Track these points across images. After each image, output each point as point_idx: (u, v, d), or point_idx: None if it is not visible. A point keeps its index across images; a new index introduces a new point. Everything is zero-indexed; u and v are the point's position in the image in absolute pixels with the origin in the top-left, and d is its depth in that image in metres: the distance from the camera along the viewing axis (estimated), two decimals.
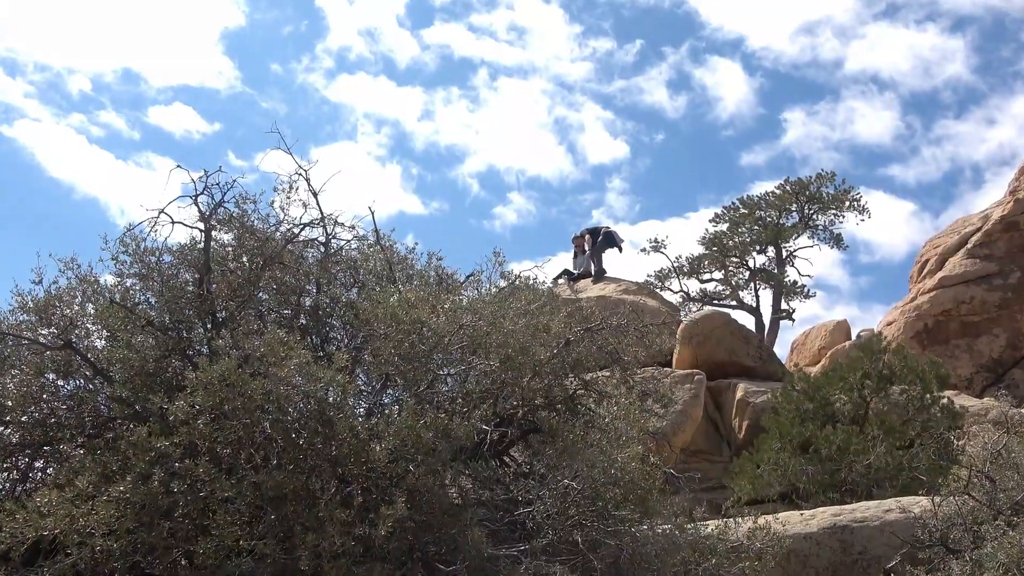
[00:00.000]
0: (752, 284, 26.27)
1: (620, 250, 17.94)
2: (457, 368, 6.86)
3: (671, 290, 25.87)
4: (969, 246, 18.98)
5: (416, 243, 8.69)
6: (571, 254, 18.26)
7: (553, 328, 7.05)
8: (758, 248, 26.49)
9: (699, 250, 26.80)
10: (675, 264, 26.07)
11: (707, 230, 26.95)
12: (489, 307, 6.93)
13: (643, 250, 25.87)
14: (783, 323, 25.48)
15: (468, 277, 8.73)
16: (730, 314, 17.72)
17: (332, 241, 7.79)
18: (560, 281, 17.36)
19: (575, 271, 18.00)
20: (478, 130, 56.21)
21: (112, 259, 6.62)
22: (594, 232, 17.62)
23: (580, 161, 55.11)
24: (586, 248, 18.11)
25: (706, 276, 26.77)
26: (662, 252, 26.03)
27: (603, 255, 17.84)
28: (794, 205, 26.46)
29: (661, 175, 55.61)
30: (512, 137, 56.42)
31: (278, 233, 7.29)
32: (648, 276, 25.63)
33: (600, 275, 17.56)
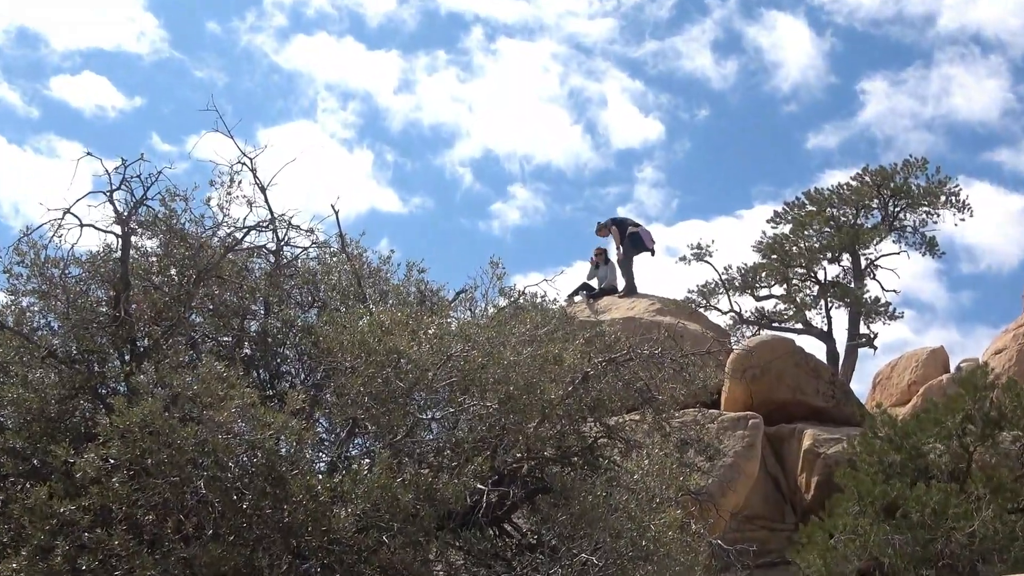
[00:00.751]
0: (823, 302, 26.21)
1: (652, 253, 18.05)
2: (444, 411, 6.89)
3: (718, 310, 25.81)
4: None
5: (392, 250, 8.73)
6: (591, 263, 18.42)
7: (567, 359, 7.09)
8: (830, 256, 26.43)
9: (754, 259, 26.72)
10: (723, 276, 26.08)
11: (764, 233, 26.90)
12: (485, 333, 6.98)
13: (682, 259, 25.80)
14: (862, 351, 25.40)
15: (458, 294, 8.79)
16: (794, 340, 17.76)
17: (285, 249, 7.86)
18: (577, 299, 17.39)
19: (596, 285, 18.13)
20: (471, 106, 56.39)
21: (3, 272, 6.66)
22: (621, 224, 17.78)
23: (601, 145, 55.24)
24: (611, 255, 18.19)
25: (763, 292, 26.72)
26: (706, 261, 25.97)
27: (633, 263, 17.88)
28: (875, 201, 26.44)
29: (705, 163, 55.71)
30: (515, 115, 56.60)
31: (216, 239, 7.34)
32: (689, 292, 25.56)
33: (631, 291, 17.57)
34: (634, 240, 17.68)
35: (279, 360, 7.57)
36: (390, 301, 7.95)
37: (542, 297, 9.17)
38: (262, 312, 7.59)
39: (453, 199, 53.22)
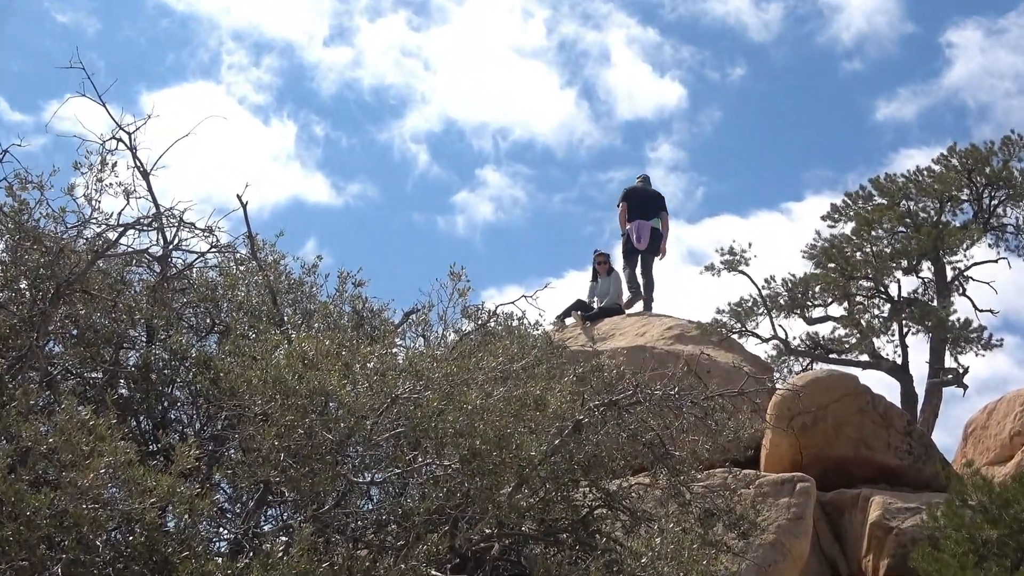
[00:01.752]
0: (895, 325, 26.33)
1: (661, 255, 19.39)
2: (388, 472, 6.90)
3: (757, 336, 25.70)
4: None
5: (320, 256, 8.72)
6: (593, 272, 18.93)
7: (553, 403, 7.13)
8: (905, 264, 26.55)
9: (805, 268, 26.79)
10: (764, 292, 26.13)
11: (818, 234, 26.98)
12: (443, 367, 7.01)
13: (709, 268, 25.49)
14: (949, 391, 25.52)
15: (408, 316, 8.82)
16: (858, 377, 17.84)
17: (174, 254, 7.88)
18: (569, 321, 17.50)
19: (595, 303, 18.38)
20: (427, 62, 56.51)
21: None
22: (642, 199, 19.56)
23: (602, 115, 55.49)
24: (616, 264, 19.19)
25: (817, 312, 26.80)
26: (742, 271, 25.78)
27: (653, 270, 19.29)
28: (966, 191, 26.58)
29: (740, 139, 55.98)
30: (486, 74, 56.76)
31: (82, 241, 7.33)
32: (719, 312, 25.31)
33: (645, 303, 18.68)
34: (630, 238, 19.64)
35: (166, 403, 7.56)
36: (316, 324, 7.95)
37: (521, 319, 9.26)
38: (143, 339, 7.59)
39: (403, 187, 53.26)
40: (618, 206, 19.56)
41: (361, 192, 52.81)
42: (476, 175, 53.67)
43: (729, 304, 25.43)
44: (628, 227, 19.28)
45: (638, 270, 19.50)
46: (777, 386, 16.87)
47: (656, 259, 19.62)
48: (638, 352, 15.43)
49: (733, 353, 17.59)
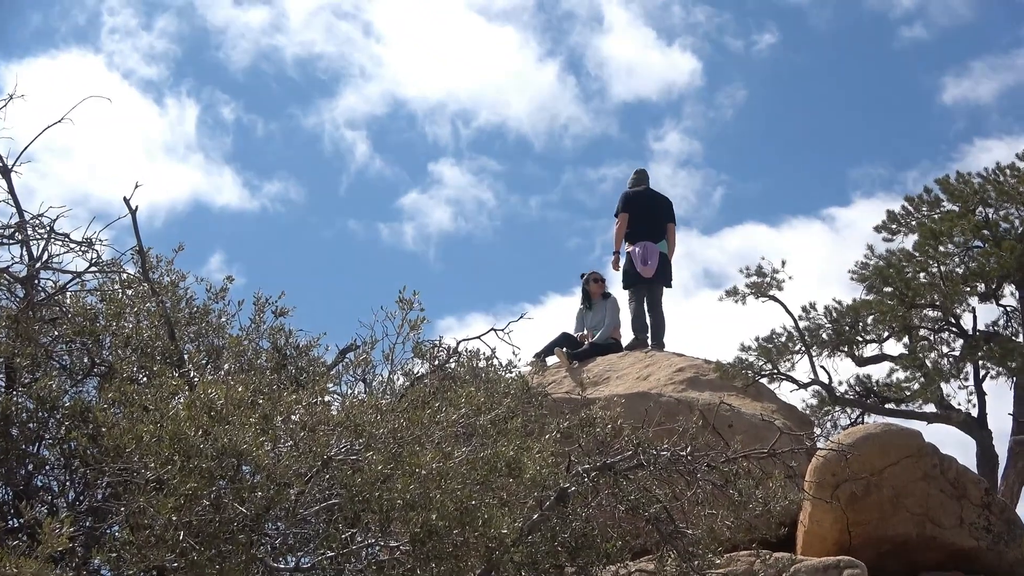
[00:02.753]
0: (970, 366, 26.51)
1: (656, 281, 19.41)
2: (319, 555, 6.88)
3: (793, 380, 25.53)
4: None
5: (231, 277, 8.70)
6: (585, 296, 18.99)
7: (529, 467, 7.12)
8: (983, 289, 26.77)
9: (854, 292, 26.95)
10: (802, 323, 26.25)
11: (871, 249, 27.14)
12: (390, 421, 7.01)
13: (731, 293, 25.60)
14: None
15: (344, 354, 8.80)
16: (922, 433, 17.86)
17: (42, 275, 7.84)
18: (551, 360, 17.35)
19: (586, 336, 18.46)
20: (368, 26, 56.58)
21: None
22: (649, 210, 19.36)
23: (594, 94, 55.57)
24: (605, 290, 19.23)
25: (870, 350, 26.92)
26: (773, 297, 25.83)
27: (662, 297, 19.17)
28: None
29: (771, 126, 56.11)
30: (442, 42, 56.81)
31: None
32: (743, 349, 25.26)
33: (656, 340, 18.48)
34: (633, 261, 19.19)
35: (30, 466, 7.52)
36: (226, 365, 7.94)
37: (489, 359, 9.22)
38: (1, 383, 7.55)
39: (336, 187, 53.03)
40: (616, 217, 19.30)
41: (282, 193, 52.51)
42: (430, 171, 53.54)
43: (757, 339, 25.43)
44: (631, 249, 19.06)
45: (644, 305, 19.03)
46: (818, 445, 16.84)
47: (666, 289, 19.31)
48: (640, 400, 15.28)
49: (762, 402, 17.51)
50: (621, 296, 19.32)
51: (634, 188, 19.69)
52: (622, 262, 19.24)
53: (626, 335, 18.75)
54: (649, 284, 18.84)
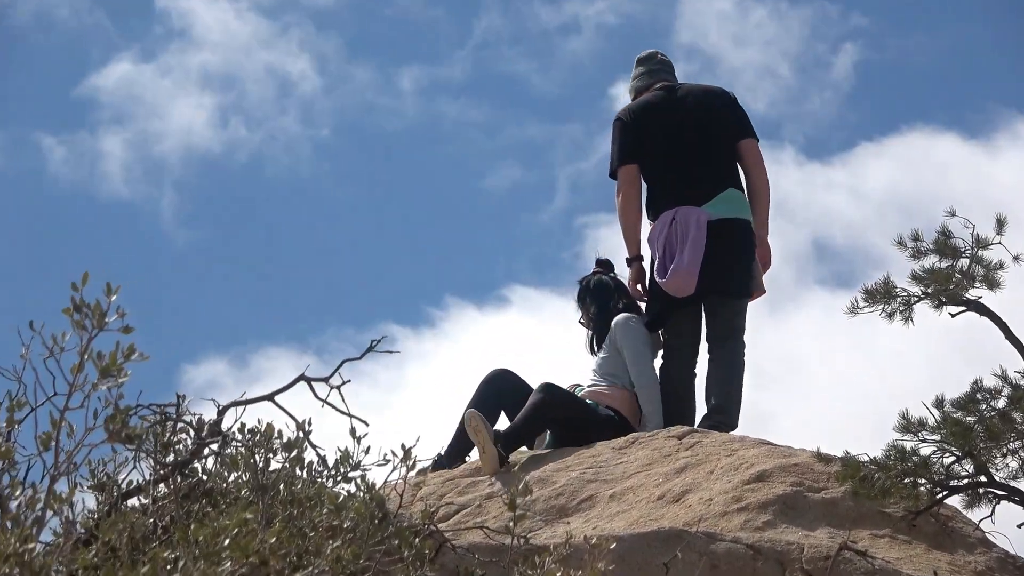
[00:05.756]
0: None
1: (755, 287, 10.31)
2: None
3: (1021, 496, 19.92)
4: None
5: None
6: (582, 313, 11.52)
7: None
8: None
9: None
10: None
11: None
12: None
13: (875, 297, 19.32)
14: None
15: None
16: None
17: None
18: (481, 459, 10.44)
19: (588, 392, 11.27)
20: None
21: None
22: (677, 128, 9.86)
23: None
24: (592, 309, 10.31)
25: None
26: (976, 304, 19.76)
27: (731, 326, 10.06)
28: None
29: None
30: None
31: None
32: (907, 428, 19.61)
33: (717, 414, 10.06)
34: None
35: None
36: None
37: (293, 449, 6.09)
38: None
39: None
40: (613, 178, 10.11)
41: None
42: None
43: (939, 404, 15.98)
44: (651, 232, 10.02)
45: (685, 355, 10.15)
46: None
47: (744, 303, 10.10)
48: (662, 547, 9.19)
49: (951, 552, 11.16)
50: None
51: (642, 96, 10.31)
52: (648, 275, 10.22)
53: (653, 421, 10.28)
54: (691, 307, 9.97)
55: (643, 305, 10.13)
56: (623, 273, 10.38)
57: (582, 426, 9.68)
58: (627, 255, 10.07)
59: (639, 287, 10.00)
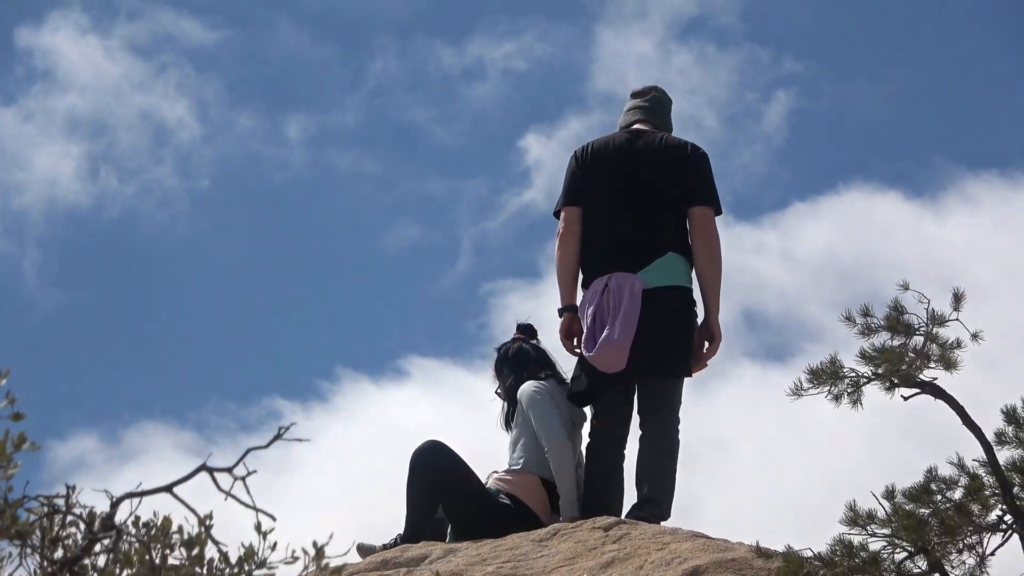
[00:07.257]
0: None
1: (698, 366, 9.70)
2: None
3: None
4: None
5: None
6: (498, 382, 10.29)
7: None
8: None
9: None
10: (1004, 454, 21.06)
11: None
12: None
13: (820, 378, 19.29)
14: None
15: None
16: None
17: None
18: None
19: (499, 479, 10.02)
20: None
21: None
22: (625, 162, 9.25)
23: None
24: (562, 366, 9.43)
25: None
26: (929, 385, 19.86)
27: (664, 404, 9.00)
28: None
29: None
30: None
31: None
32: (854, 521, 19.20)
33: (646, 503, 8.98)
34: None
35: None
36: None
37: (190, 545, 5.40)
38: None
39: None
40: (557, 216, 9.42)
41: None
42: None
43: (889, 494, 15.69)
44: (583, 298, 9.30)
45: (613, 439, 9.36)
46: None
47: (680, 381, 9.32)
48: None
49: None
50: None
51: (609, 136, 9.54)
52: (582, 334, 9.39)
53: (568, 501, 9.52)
54: (622, 383, 9.18)
55: (569, 376, 9.49)
56: (549, 340, 9.71)
57: (474, 515, 9.17)
58: (560, 304, 9.42)
59: (571, 342, 9.27)
